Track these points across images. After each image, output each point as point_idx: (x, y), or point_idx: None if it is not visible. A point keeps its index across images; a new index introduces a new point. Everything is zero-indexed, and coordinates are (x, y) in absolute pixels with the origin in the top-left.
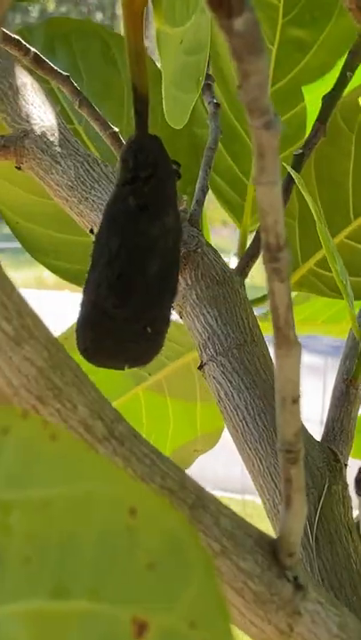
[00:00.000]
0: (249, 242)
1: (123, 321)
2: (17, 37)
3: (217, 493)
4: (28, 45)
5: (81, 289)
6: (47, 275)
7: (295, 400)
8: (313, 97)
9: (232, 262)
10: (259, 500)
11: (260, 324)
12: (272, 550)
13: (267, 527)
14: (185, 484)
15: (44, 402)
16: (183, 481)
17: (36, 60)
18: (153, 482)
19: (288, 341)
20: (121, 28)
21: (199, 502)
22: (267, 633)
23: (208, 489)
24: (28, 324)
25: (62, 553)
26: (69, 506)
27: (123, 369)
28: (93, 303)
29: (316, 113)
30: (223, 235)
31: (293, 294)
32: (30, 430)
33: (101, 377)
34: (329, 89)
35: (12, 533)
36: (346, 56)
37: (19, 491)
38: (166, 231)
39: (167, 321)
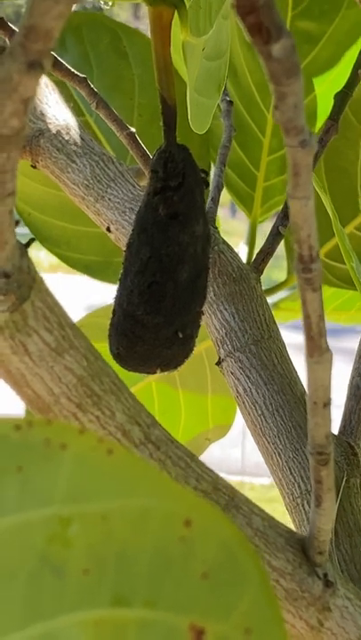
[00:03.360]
0: (258, 232)
1: (154, 327)
2: None
3: None
4: None
5: (86, 276)
6: (43, 257)
7: (326, 404)
8: (323, 88)
9: (241, 251)
10: (257, 482)
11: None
12: (302, 548)
13: (264, 508)
14: (218, 485)
15: (84, 409)
16: (216, 482)
17: (53, 62)
18: (188, 484)
19: (320, 349)
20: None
21: (232, 503)
22: (297, 628)
23: None
24: (68, 334)
25: (120, 564)
26: (126, 519)
27: (155, 373)
28: (125, 310)
29: (326, 104)
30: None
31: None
32: (87, 445)
33: (113, 366)
34: (338, 80)
35: (71, 546)
36: (358, 54)
37: (77, 505)
38: (196, 238)
39: (198, 325)
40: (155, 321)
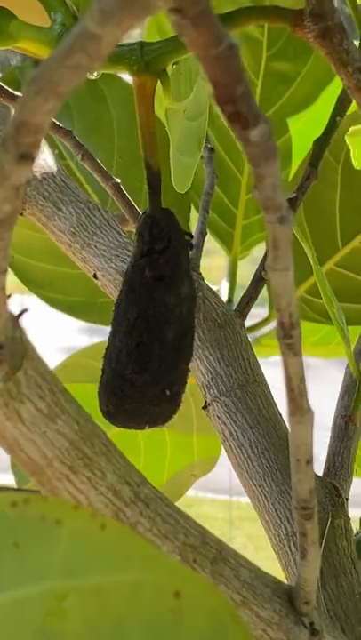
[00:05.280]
0: (239, 269)
1: (143, 385)
2: (19, 95)
3: (205, 495)
4: None
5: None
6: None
7: (308, 461)
8: (297, 127)
9: (222, 289)
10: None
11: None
12: (288, 598)
13: (251, 527)
14: (206, 539)
15: (76, 471)
16: (204, 537)
17: None
18: (177, 539)
19: (301, 409)
20: None
21: (220, 556)
22: None
23: (196, 490)
24: (59, 400)
25: (115, 636)
26: (120, 592)
27: (143, 429)
28: (114, 369)
29: (301, 143)
30: None
31: None
32: (81, 521)
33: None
34: (313, 119)
35: (68, 619)
36: (335, 101)
37: (73, 579)
38: (181, 299)
39: (184, 382)
40: (143, 379)
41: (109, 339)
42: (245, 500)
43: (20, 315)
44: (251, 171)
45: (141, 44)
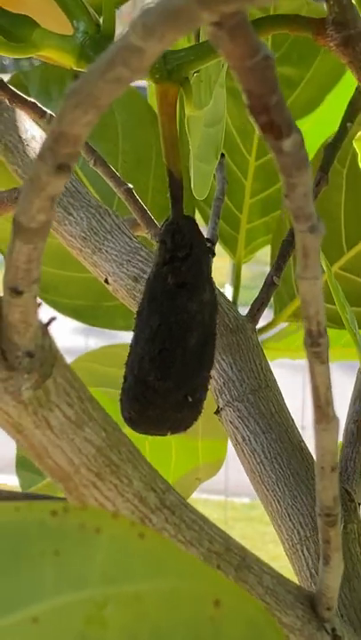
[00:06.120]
0: (243, 272)
1: (165, 392)
2: (32, 100)
3: (200, 496)
4: (43, 108)
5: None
6: None
7: (333, 468)
8: (302, 132)
9: (227, 291)
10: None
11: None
12: (310, 604)
13: (245, 528)
14: (230, 546)
15: (103, 478)
16: (228, 543)
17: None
18: (201, 546)
19: (328, 417)
20: None
21: (244, 563)
22: None
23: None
24: (87, 407)
25: None
26: (159, 599)
27: (165, 435)
28: (137, 376)
29: (306, 147)
30: None
31: (286, 324)
32: (120, 529)
33: (108, 410)
34: (318, 123)
35: (108, 626)
36: (346, 107)
37: (112, 586)
38: (203, 306)
39: (206, 389)
40: (165, 386)
41: (131, 346)
42: (240, 500)
43: (49, 323)
44: (282, 180)
45: (164, 52)
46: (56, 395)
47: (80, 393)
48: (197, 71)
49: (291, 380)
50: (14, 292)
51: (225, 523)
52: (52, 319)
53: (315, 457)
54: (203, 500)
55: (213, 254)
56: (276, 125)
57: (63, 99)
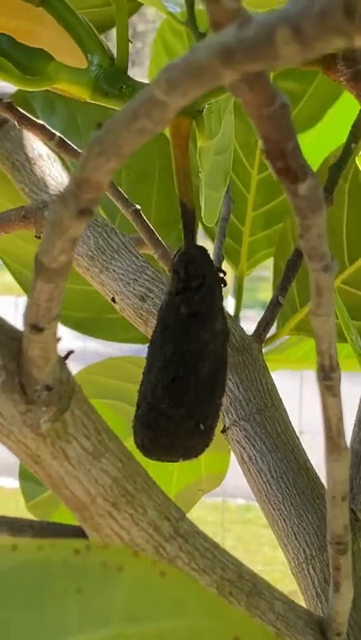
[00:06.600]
0: (245, 284)
1: (178, 419)
2: (41, 122)
3: None
4: (52, 130)
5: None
6: None
7: (344, 498)
8: (303, 146)
9: (229, 304)
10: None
11: None
12: (320, 630)
13: (241, 530)
14: (242, 573)
15: (119, 507)
16: (241, 571)
17: (61, 143)
18: (214, 573)
19: (339, 448)
20: None
21: (255, 590)
22: None
23: None
24: (104, 438)
25: None
26: (180, 637)
27: (177, 461)
28: (150, 403)
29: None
30: None
31: (287, 337)
32: (142, 567)
33: (112, 424)
34: (319, 137)
35: None
36: (350, 127)
37: (135, 624)
38: (215, 335)
39: (217, 416)
40: (179, 413)
41: (143, 374)
42: (236, 502)
43: (67, 356)
44: (297, 222)
45: None
46: (74, 427)
47: (97, 424)
48: (209, 102)
49: (289, 384)
50: (35, 328)
51: (221, 525)
52: (70, 352)
53: (325, 484)
54: (199, 502)
55: (225, 284)
56: (293, 170)
57: (87, 146)
